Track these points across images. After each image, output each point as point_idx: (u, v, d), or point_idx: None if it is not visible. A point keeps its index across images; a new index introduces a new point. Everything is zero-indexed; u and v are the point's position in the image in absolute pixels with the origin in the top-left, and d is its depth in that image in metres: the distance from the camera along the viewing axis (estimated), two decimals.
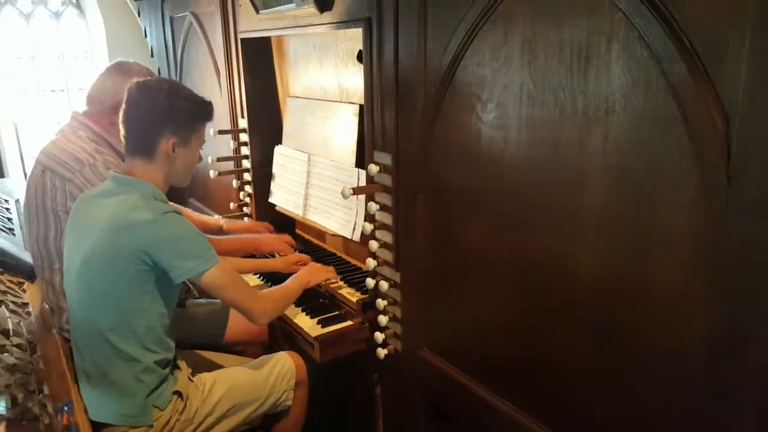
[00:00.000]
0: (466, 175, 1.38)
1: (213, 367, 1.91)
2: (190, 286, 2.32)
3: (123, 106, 1.59)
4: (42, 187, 1.94)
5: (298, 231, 2.61)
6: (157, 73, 3.04)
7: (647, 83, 0.96)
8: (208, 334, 2.08)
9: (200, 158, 1.73)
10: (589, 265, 1.12)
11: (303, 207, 2.26)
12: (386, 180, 1.67)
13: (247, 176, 2.60)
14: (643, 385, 1.07)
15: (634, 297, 1.06)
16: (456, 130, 1.38)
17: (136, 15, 7.74)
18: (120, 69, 2.04)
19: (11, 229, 2.76)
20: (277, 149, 2.46)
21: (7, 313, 1.74)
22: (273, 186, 2.50)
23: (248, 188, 2.61)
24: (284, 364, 1.84)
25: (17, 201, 3.44)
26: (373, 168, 1.68)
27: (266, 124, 2.51)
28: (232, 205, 2.68)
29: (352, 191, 1.69)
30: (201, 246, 1.57)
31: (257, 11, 2.12)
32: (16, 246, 2.40)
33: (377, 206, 1.72)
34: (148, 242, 1.50)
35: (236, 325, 2.11)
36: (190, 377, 1.73)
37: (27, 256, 2.35)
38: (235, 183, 2.63)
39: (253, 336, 2.15)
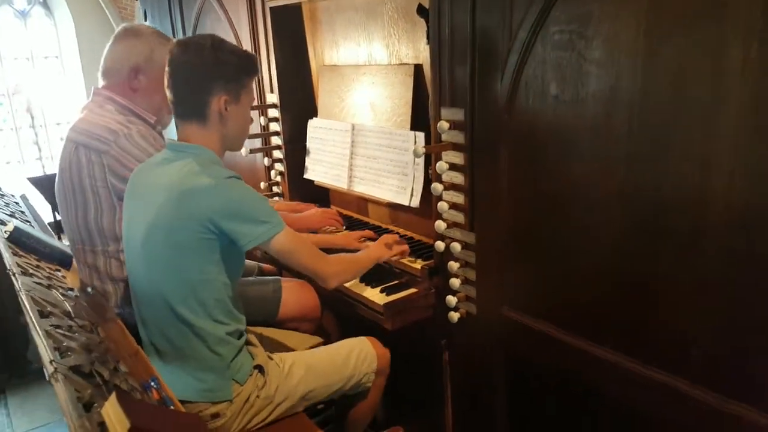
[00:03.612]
0: (566, 117, 1.34)
1: (276, 343, 1.84)
2: None
3: (166, 68, 1.50)
4: (77, 164, 1.83)
5: (333, 207, 2.54)
6: None
7: None
8: (262, 312, 2.00)
9: (251, 120, 1.66)
10: (723, 192, 1.09)
11: (348, 179, 2.20)
12: (456, 137, 1.62)
13: (278, 154, 2.51)
14: None
15: None
16: (552, 73, 1.34)
17: (105, 10, 7.47)
18: (127, 32, 1.95)
19: (27, 222, 2.62)
20: (312, 123, 2.38)
21: (61, 297, 1.64)
22: (308, 161, 2.42)
23: (279, 166, 2.53)
24: (362, 347, 1.78)
25: (22, 196, 3.29)
26: (444, 125, 1.62)
27: (298, 97, 2.44)
28: (262, 185, 2.59)
29: (424, 150, 1.64)
30: (267, 210, 1.49)
31: None
32: (46, 235, 2.28)
33: (447, 165, 1.67)
34: (213, 209, 1.42)
35: (289, 301, 2.05)
36: (269, 355, 1.66)
37: (58, 244, 2.23)
38: (266, 161, 2.54)
39: (306, 312, 2.08)
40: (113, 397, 1.02)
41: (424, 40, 1.83)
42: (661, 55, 1.13)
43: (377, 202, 2.25)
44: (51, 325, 1.32)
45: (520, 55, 1.40)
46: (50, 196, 3.85)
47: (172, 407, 1.24)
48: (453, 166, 1.66)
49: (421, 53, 1.93)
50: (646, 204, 1.23)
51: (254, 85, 1.66)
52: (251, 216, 1.46)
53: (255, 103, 2.50)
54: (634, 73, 1.17)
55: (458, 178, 1.65)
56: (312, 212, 2.20)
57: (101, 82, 1.96)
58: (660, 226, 1.21)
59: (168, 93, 1.53)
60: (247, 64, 1.57)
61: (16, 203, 2.83)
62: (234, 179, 1.48)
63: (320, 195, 2.53)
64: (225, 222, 1.43)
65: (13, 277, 1.52)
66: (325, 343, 1.93)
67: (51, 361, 1.10)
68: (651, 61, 1.14)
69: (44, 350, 1.15)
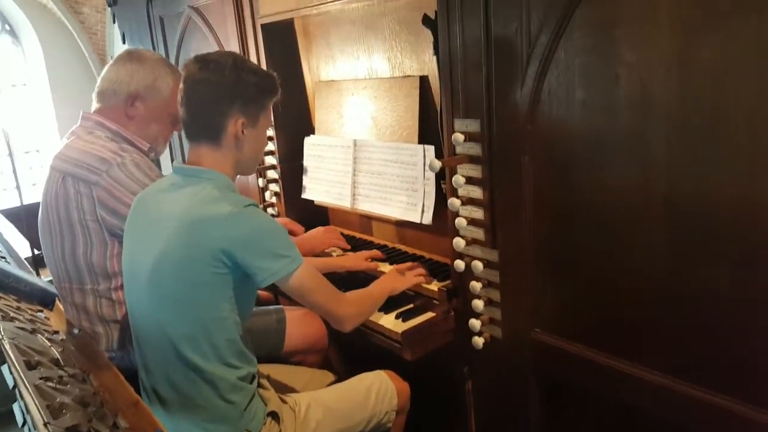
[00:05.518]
0: (596, 125, 1.25)
1: (285, 382, 1.70)
2: None
3: (181, 85, 1.39)
4: (64, 196, 1.70)
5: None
6: None
7: None
8: (266, 345, 1.86)
9: (267, 143, 1.55)
10: None
11: (351, 198, 2.08)
12: (473, 149, 1.52)
13: (273, 174, 2.39)
14: None
15: None
16: (578, 79, 1.25)
17: (76, 37, 7.23)
18: (132, 56, 1.83)
19: (3, 258, 2.44)
20: (309, 140, 2.27)
21: (47, 342, 1.48)
22: (306, 180, 2.30)
23: (274, 186, 2.41)
24: (381, 382, 1.66)
25: None
26: (459, 137, 1.52)
27: (293, 115, 2.32)
28: None
29: (440, 163, 1.53)
30: (287, 243, 1.38)
31: None
32: (24, 272, 2.11)
33: (463, 179, 1.57)
34: (229, 240, 1.30)
35: (295, 332, 1.92)
36: (283, 399, 1.52)
37: (38, 281, 2.07)
38: (260, 182, 2.42)
39: (312, 343, 1.95)
40: None
41: (430, 51, 1.75)
42: (698, 51, 1.04)
43: (383, 221, 2.14)
44: (40, 378, 1.17)
45: (542, 61, 1.31)
46: (25, 229, 3.64)
47: None
48: (470, 180, 1.56)
49: (426, 64, 1.84)
50: (691, 215, 1.14)
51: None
52: (271, 249, 1.34)
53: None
54: (675, 72, 1.09)
55: (476, 192, 1.55)
56: (314, 233, 2.08)
57: (94, 104, 1.83)
58: (709, 238, 1.12)
59: (181, 111, 1.42)
60: (270, 86, 1.48)
61: None
62: (252, 207, 1.37)
63: (319, 215, 2.41)
64: (241, 254, 1.31)
65: None
66: (338, 380, 1.80)
67: (46, 424, 0.96)
68: (687, 58, 1.06)
69: (36, 410, 1.00)
